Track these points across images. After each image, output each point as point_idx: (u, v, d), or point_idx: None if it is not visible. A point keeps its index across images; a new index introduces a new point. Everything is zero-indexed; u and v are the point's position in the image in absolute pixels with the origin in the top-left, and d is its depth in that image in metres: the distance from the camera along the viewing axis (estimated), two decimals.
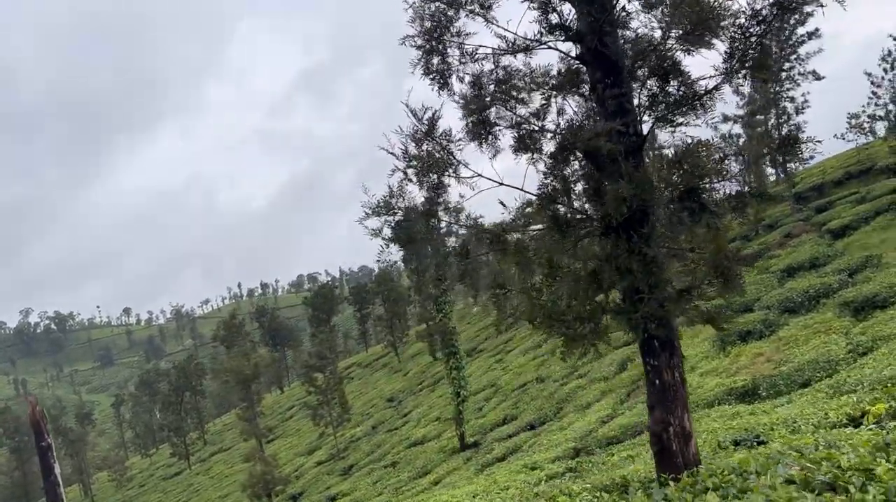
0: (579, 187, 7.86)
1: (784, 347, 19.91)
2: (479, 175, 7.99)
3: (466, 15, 7.99)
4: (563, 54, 8.08)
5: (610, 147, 7.17)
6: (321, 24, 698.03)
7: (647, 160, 7.90)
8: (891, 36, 44.48)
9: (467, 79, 8.24)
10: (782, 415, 12.74)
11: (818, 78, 41.48)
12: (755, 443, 10.79)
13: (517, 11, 7.79)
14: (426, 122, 7.95)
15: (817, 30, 40.19)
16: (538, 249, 7.95)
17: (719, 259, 7.34)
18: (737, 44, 7.27)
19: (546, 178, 7.82)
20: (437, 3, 7.99)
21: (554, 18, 7.78)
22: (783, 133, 40.27)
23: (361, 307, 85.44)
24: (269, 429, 61.31)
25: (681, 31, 7.24)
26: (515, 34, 7.92)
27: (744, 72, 7.41)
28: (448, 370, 32.57)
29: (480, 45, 8.12)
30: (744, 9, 7.19)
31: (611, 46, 7.53)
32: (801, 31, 40.00)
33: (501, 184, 7.92)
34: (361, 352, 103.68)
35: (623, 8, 7.71)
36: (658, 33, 7.63)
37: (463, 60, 8.19)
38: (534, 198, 7.99)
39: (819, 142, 7.29)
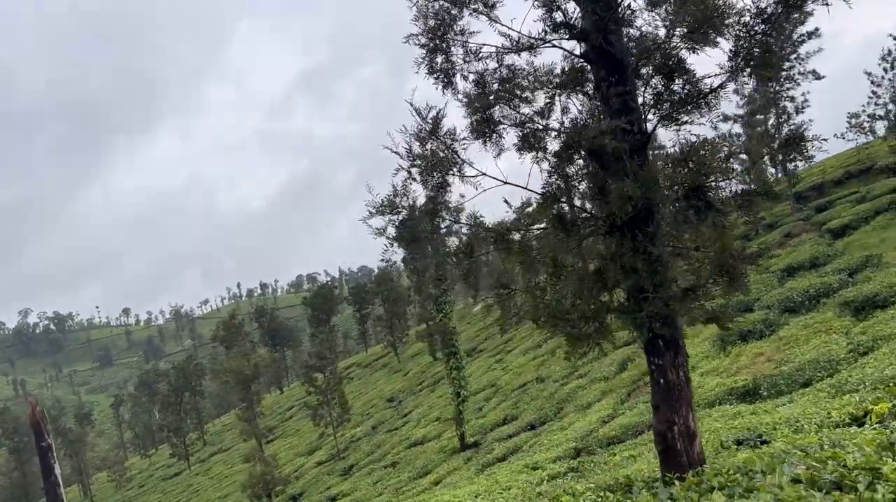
0: (584, 186, 7.85)
1: (784, 347, 19.89)
2: (484, 174, 7.97)
3: (470, 13, 7.98)
4: (567, 52, 8.07)
5: (615, 145, 7.16)
6: (321, 24, 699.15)
7: (651, 158, 7.87)
8: (891, 35, 44.57)
9: (471, 77, 8.23)
10: (784, 415, 12.72)
11: (818, 77, 41.49)
12: (758, 443, 10.78)
13: (521, 10, 7.78)
14: (430, 121, 7.93)
15: (817, 29, 40.24)
16: (542, 248, 7.94)
17: (724, 257, 7.32)
18: (742, 42, 7.25)
19: (550, 177, 7.81)
20: (441, 2, 7.98)
21: (558, 16, 7.77)
22: (784, 132, 40.32)
23: (361, 307, 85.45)
24: (269, 430, 61.25)
25: (685, 29, 7.23)
26: (519, 32, 7.91)
27: (749, 70, 7.40)
28: (448, 370, 32.54)
29: (484, 44, 8.11)
30: (749, 7, 7.18)
31: (615, 44, 7.51)
32: (801, 30, 40.00)
33: (505, 182, 7.90)
34: (361, 353, 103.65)
35: (628, 6, 7.68)
36: (663, 31, 7.62)
37: (467, 59, 8.18)
38: (537, 196, 7.98)
39: (824, 139, 7.29)
